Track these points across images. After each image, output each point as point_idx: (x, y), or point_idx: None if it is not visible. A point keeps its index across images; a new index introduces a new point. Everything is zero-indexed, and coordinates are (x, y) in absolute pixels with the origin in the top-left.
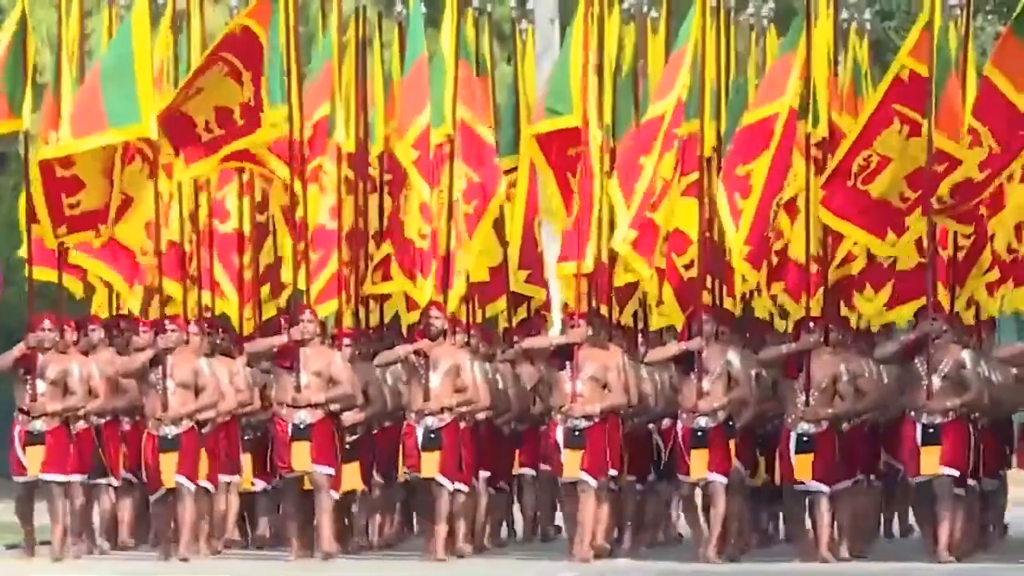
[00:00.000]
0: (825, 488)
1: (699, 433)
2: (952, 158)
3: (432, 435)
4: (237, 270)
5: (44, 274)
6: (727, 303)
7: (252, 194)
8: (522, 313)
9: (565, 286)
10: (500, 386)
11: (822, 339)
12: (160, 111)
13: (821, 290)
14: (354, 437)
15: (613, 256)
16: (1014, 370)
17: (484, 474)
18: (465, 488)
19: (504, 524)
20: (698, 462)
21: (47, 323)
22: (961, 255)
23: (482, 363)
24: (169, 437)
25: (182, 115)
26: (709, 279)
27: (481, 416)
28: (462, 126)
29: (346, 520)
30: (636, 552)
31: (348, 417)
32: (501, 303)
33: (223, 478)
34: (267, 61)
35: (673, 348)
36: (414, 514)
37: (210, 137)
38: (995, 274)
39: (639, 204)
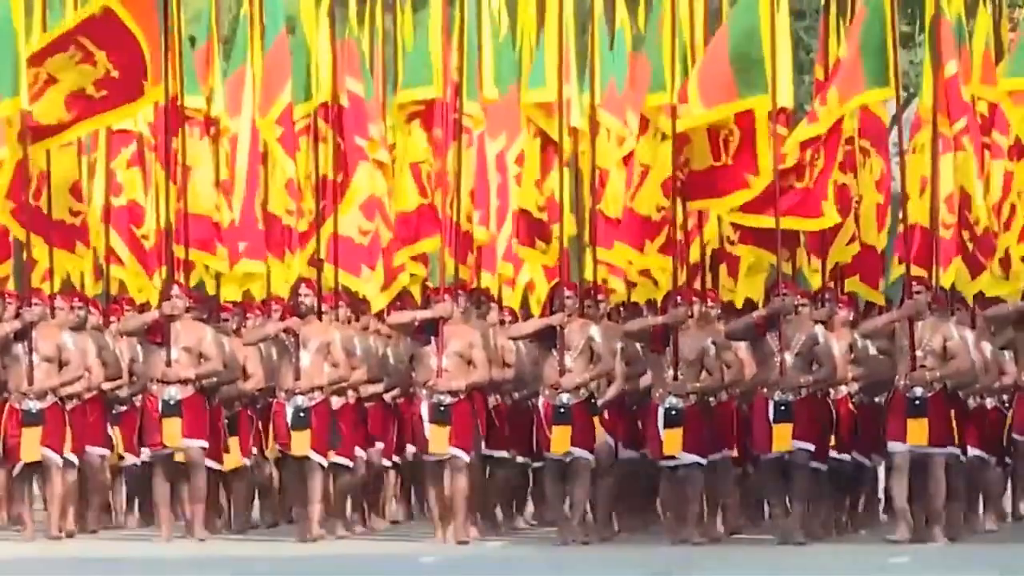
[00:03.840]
0: (700, 459)
1: (561, 410)
2: None
3: (301, 414)
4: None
5: None
6: None
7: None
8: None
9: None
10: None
11: (689, 313)
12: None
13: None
14: (231, 412)
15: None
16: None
17: (360, 452)
18: (348, 462)
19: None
20: (560, 438)
21: None
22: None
23: (363, 337)
24: (33, 411)
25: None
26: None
27: (371, 390)
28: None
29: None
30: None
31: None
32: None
33: (95, 451)
34: None
35: (534, 323)
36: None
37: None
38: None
39: None
